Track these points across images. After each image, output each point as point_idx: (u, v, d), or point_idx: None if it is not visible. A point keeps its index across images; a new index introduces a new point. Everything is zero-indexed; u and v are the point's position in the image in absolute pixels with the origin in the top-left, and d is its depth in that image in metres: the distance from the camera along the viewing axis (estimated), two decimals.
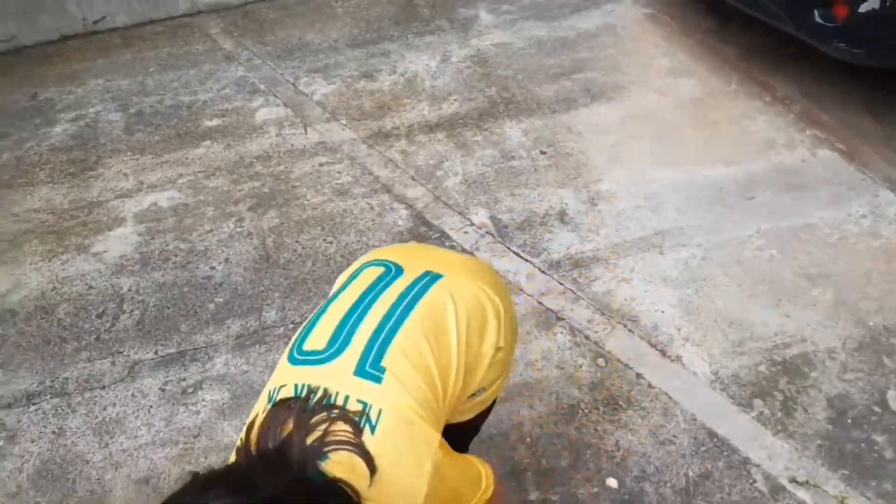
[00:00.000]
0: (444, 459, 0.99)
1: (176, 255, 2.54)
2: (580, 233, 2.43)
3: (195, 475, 0.82)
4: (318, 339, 1.05)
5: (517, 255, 2.37)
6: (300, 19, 4.09)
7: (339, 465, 0.88)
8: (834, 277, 2.19)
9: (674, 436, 1.80)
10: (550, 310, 2.16)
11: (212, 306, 2.32)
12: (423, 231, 2.51)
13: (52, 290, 2.44)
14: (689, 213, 2.47)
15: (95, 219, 2.75)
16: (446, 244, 2.44)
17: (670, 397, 1.88)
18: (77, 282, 2.47)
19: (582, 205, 2.54)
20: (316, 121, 3.17)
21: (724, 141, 2.78)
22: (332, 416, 0.91)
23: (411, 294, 1.11)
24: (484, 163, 2.79)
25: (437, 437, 0.99)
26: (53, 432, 1.98)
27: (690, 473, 1.73)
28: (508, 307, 1.22)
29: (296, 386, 0.98)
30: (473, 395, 1.19)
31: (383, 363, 1.01)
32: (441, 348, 1.07)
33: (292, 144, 3.04)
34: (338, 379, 0.99)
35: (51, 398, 2.08)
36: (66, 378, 2.13)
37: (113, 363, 2.16)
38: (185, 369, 2.12)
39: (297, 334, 1.10)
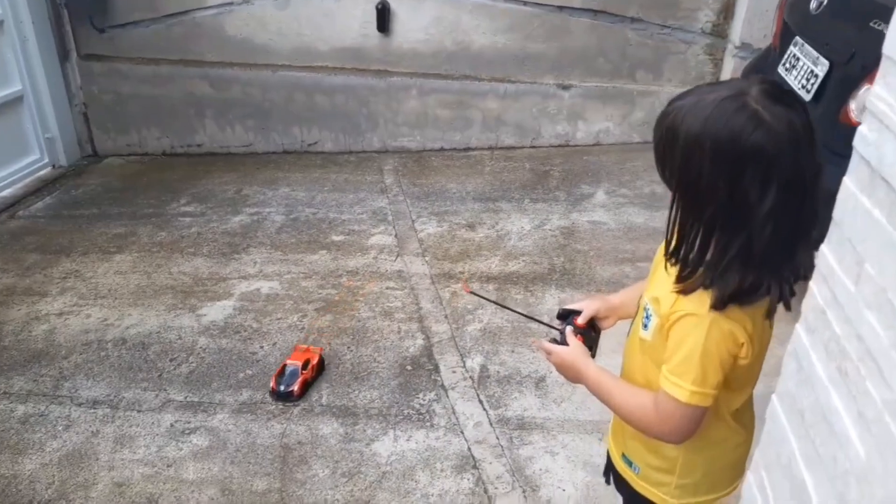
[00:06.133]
0: (715, 319, 1.16)
1: (245, 331, 3.21)
2: (545, 401, 2.62)
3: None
4: None
5: (480, 402, 2.63)
6: (453, 171, 4.79)
7: None
8: None
9: None
10: (473, 457, 2.39)
11: (241, 375, 2.92)
12: (423, 362, 2.88)
13: (156, 333, 3.24)
14: None
15: (215, 290, 3.56)
16: (433, 378, 2.79)
17: None
18: (174, 332, 3.24)
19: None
20: (409, 253, 3.75)
21: None
22: None
23: None
24: (509, 319, 3.10)
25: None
26: (92, 432, 2.67)
27: None
28: None
29: None
30: None
31: None
32: None
33: (379, 268, 3.63)
34: None
35: (106, 408, 2.79)
36: (123, 397, 2.84)
37: (156, 395, 2.83)
38: (193, 415, 2.71)
39: None
